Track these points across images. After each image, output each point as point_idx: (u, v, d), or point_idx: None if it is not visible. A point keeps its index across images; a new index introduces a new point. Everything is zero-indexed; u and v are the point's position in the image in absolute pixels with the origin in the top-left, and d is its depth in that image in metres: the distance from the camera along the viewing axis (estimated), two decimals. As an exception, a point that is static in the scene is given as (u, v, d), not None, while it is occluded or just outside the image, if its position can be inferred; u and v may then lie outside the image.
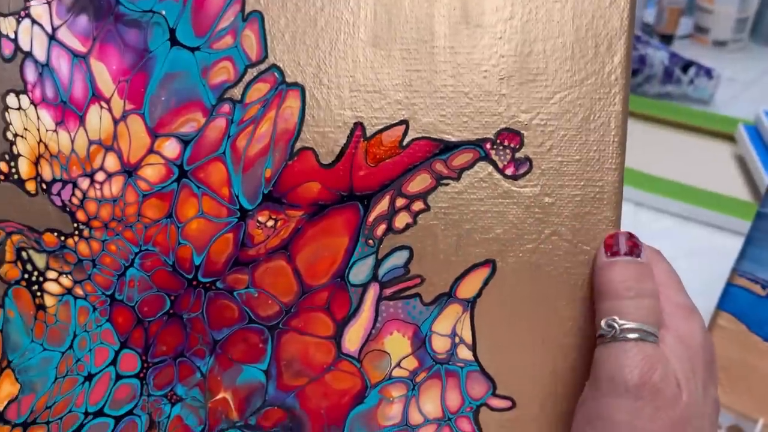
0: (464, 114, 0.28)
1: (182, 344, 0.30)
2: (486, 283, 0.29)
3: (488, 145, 0.28)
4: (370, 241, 0.29)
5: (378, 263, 0.29)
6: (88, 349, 0.31)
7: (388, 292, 0.29)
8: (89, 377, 0.31)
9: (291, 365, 0.30)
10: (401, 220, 0.29)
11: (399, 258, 0.29)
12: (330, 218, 0.29)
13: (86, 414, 0.30)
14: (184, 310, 0.30)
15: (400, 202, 0.29)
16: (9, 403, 0.31)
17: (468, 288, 0.29)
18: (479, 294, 0.29)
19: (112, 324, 0.30)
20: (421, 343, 0.29)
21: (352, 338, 0.29)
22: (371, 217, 0.29)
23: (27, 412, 0.31)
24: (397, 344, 0.29)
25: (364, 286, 0.29)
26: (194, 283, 0.30)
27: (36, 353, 0.31)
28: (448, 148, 0.28)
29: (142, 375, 0.30)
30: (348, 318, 0.29)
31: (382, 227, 0.29)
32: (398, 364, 0.29)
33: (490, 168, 0.28)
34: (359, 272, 0.29)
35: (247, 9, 0.29)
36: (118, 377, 0.30)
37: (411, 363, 0.29)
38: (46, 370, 0.31)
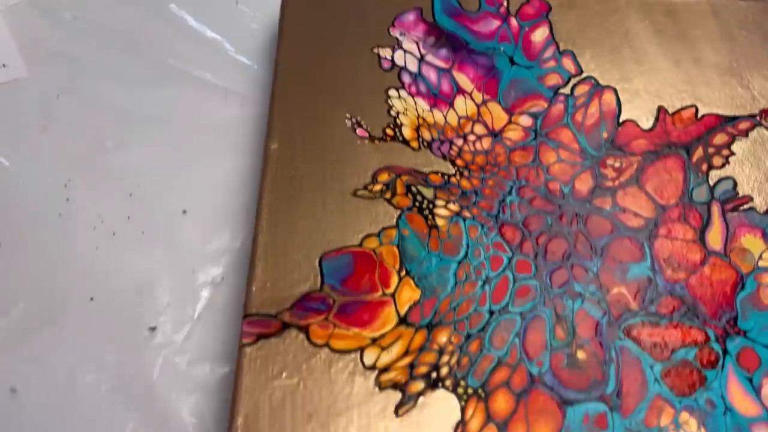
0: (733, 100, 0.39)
1: (569, 250, 0.33)
2: None
3: (758, 117, 0.39)
4: (700, 174, 0.36)
5: (711, 189, 0.36)
6: (483, 257, 0.33)
7: (728, 207, 0.35)
8: (488, 280, 0.32)
9: (670, 262, 0.33)
10: (717, 161, 0.37)
11: (727, 185, 0.36)
12: (663, 161, 0.37)
13: (491, 312, 0.31)
14: (564, 225, 0.34)
15: (710, 150, 0.38)
16: (411, 307, 0.31)
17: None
18: None
19: (501, 237, 0.33)
20: (772, 239, 0.34)
21: (714, 240, 0.34)
22: (693, 159, 0.37)
23: (431, 314, 0.31)
24: (752, 242, 0.34)
25: (708, 204, 0.35)
26: (567, 205, 0.35)
27: (433, 263, 0.32)
28: (731, 119, 0.39)
29: (538, 277, 0.32)
30: (704, 226, 0.35)
31: (705, 165, 0.37)
32: (760, 257, 0.34)
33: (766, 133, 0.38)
34: (699, 195, 0.36)
35: (561, 48, 0.41)
36: (516, 279, 0.32)
37: (770, 255, 0.34)
38: (446, 276, 0.32)
